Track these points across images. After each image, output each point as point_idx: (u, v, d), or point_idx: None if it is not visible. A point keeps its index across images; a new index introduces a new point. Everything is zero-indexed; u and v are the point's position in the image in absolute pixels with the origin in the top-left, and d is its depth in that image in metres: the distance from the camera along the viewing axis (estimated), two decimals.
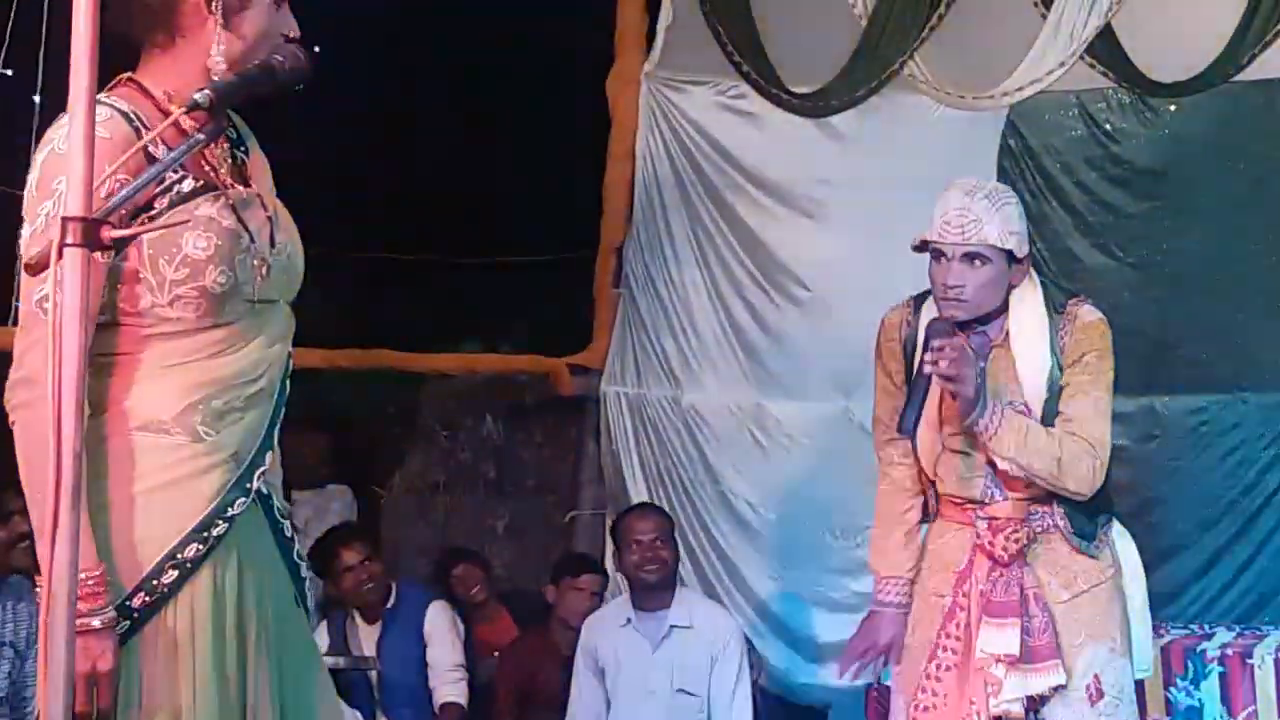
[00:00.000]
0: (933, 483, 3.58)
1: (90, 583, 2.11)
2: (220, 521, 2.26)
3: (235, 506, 2.28)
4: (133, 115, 2.24)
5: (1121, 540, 3.58)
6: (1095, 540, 3.47)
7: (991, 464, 3.43)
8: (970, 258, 3.37)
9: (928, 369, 3.28)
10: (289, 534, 2.45)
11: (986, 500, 3.46)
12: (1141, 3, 5.54)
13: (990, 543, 3.41)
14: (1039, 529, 3.45)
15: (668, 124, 6.21)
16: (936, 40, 5.82)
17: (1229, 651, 4.78)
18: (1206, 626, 5.07)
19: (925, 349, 3.32)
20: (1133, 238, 5.55)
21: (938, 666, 3.44)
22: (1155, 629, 4.89)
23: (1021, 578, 3.40)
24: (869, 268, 5.72)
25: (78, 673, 2.04)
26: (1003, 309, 3.45)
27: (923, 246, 3.45)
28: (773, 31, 6.03)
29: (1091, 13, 5.55)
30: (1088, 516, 3.47)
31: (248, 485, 2.30)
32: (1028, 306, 3.47)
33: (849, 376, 5.81)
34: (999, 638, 3.35)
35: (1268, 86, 5.42)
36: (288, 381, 2.42)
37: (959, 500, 3.52)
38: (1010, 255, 3.40)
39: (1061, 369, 3.44)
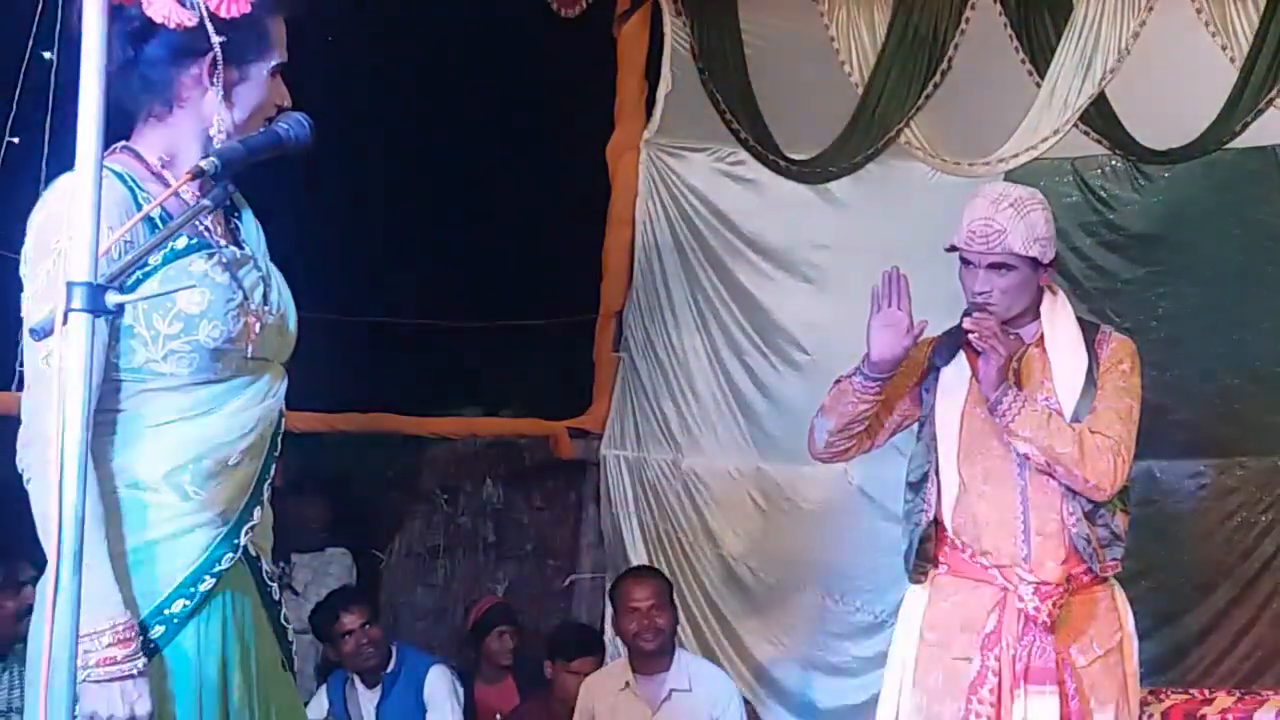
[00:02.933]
0: (935, 531, 3.52)
1: (121, 629, 2.15)
2: (208, 577, 2.27)
3: (223, 562, 2.29)
4: (127, 177, 2.28)
5: (1124, 604, 3.55)
6: (1114, 562, 3.45)
7: (1026, 515, 3.40)
8: (996, 266, 3.44)
9: (968, 325, 3.38)
10: (276, 596, 2.45)
11: (1019, 554, 3.40)
12: (1135, 70, 5.59)
13: (1037, 608, 3.35)
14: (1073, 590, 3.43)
15: (667, 190, 6.25)
16: (932, 108, 5.88)
17: (1230, 716, 4.75)
18: (1207, 691, 5.05)
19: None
20: (1128, 303, 5.57)
21: None
22: (1156, 693, 4.90)
23: (1054, 642, 3.36)
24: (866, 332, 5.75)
25: (117, 718, 2.13)
26: (1035, 313, 3.51)
27: (954, 249, 3.52)
28: (770, 99, 6.09)
29: (1085, 80, 5.60)
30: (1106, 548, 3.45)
31: (235, 541, 2.31)
32: (1061, 314, 3.54)
33: None
34: (1039, 705, 3.30)
35: (1261, 153, 5.46)
36: (279, 439, 2.43)
37: (982, 550, 3.45)
38: (1036, 263, 3.46)
39: (1097, 373, 3.45)
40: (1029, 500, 3.43)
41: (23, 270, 2.26)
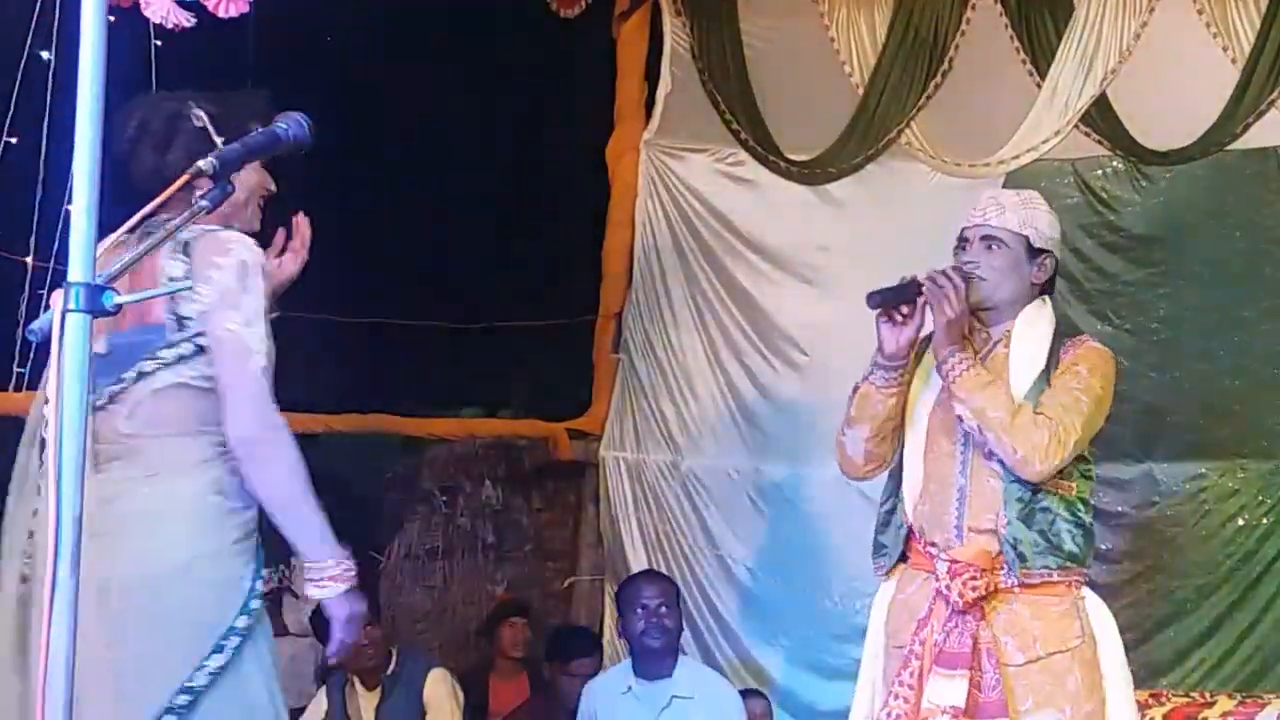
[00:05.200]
0: (908, 527, 3.51)
1: (334, 563, 2.68)
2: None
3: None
4: None
5: (1096, 610, 3.43)
6: (1045, 570, 3.33)
7: (961, 511, 3.37)
8: (987, 240, 3.43)
9: (924, 276, 3.35)
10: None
11: (953, 545, 3.38)
12: (1136, 72, 5.59)
13: (947, 586, 3.32)
14: (1003, 584, 3.34)
15: (667, 191, 6.25)
16: (933, 108, 5.87)
17: (1231, 719, 4.75)
18: (1208, 694, 5.05)
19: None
20: (1129, 304, 5.56)
21: (889, 715, 3.34)
22: (1157, 696, 4.89)
23: (976, 630, 3.31)
24: (867, 333, 5.69)
25: (355, 614, 2.69)
26: (1014, 314, 3.46)
27: (958, 245, 3.50)
28: (771, 100, 6.09)
29: (1086, 81, 5.60)
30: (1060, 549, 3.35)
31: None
32: (1039, 319, 3.48)
33: None
34: (947, 688, 3.26)
35: (1262, 154, 5.46)
36: None
37: (929, 542, 3.43)
38: (1028, 244, 3.43)
39: (1052, 374, 3.39)
40: (966, 499, 3.39)
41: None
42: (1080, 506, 3.41)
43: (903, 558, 3.54)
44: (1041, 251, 3.48)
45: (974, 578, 3.32)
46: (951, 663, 3.29)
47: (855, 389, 3.55)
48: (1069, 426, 3.31)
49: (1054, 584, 3.36)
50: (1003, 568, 3.35)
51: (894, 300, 3.40)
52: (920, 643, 3.36)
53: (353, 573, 2.66)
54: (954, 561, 3.35)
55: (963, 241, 3.48)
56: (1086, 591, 3.44)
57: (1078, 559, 3.38)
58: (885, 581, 3.60)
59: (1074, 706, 3.30)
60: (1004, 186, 5.69)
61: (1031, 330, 3.46)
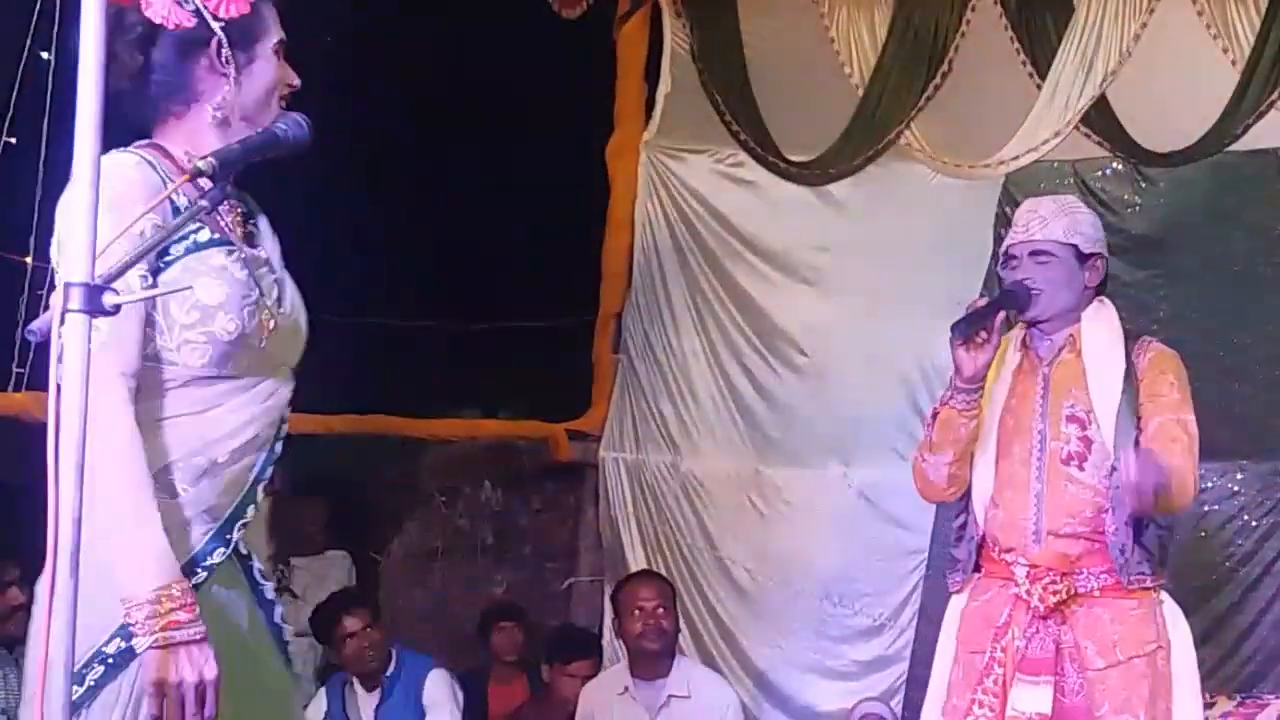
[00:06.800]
0: (980, 536, 3.49)
1: (181, 592, 2.11)
2: (200, 569, 2.25)
3: (214, 556, 2.27)
4: (158, 166, 2.30)
5: (1173, 616, 3.44)
6: (1140, 575, 3.36)
7: (1039, 515, 3.37)
8: (1036, 254, 3.43)
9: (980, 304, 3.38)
10: (269, 595, 2.44)
11: (1031, 551, 3.37)
12: (1136, 73, 5.59)
13: (1028, 591, 3.32)
14: (1082, 588, 3.35)
15: (666, 192, 6.25)
16: (932, 109, 5.87)
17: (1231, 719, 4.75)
18: (1208, 695, 5.04)
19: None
20: (1129, 306, 5.51)
21: None
22: None
23: (1059, 635, 3.32)
24: (867, 334, 5.76)
25: (186, 684, 2.08)
26: (1074, 319, 3.47)
27: (1006, 263, 3.50)
28: (770, 101, 6.09)
29: (1086, 82, 5.60)
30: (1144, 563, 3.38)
31: (228, 536, 2.30)
32: (1103, 320, 3.49)
33: (847, 442, 5.83)
34: (1032, 695, 3.26)
35: (1263, 156, 5.46)
36: (279, 443, 2.41)
37: (1004, 549, 3.42)
38: (1077, 252, 3.44)
39: (1135, 379, 3.40)
40: (1044, 503, 3.39)
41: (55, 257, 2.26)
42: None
43: (975, 567, 3.53)
44: (1092, 255, 3.48)
45: (1054, 581, 3.33)
46: (1036, 669, 3.29)
47: (934, 414, 3.50)
48: (1195, 449, 3.36)
49: (1141, 590, 3.38)
50: (1079, 572, 3.35)
51: (976, 327, 3.35)
52: (1001, 650, 3.35)
53: None
54: (1033, 566, 3.35)
55: (1010, 259, 3.48)
56: (1164, 595, 3.45)
57: (1164, 564, 3.42)
58: (955, 595, 3.57)
59: (1146, 711, 3.32)
60: (1004, 187, 5.70)
61: (1099, 335, 3.46)
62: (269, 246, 2.46)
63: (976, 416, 3.43)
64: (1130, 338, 3.49)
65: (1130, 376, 3.40)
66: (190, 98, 2.35)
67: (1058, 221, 3.46)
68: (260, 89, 2.39)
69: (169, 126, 2.37)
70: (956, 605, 3.56)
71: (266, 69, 2.40)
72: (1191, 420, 3.38)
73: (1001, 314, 3.38)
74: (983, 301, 3.44)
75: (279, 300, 2.39)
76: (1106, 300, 3.54)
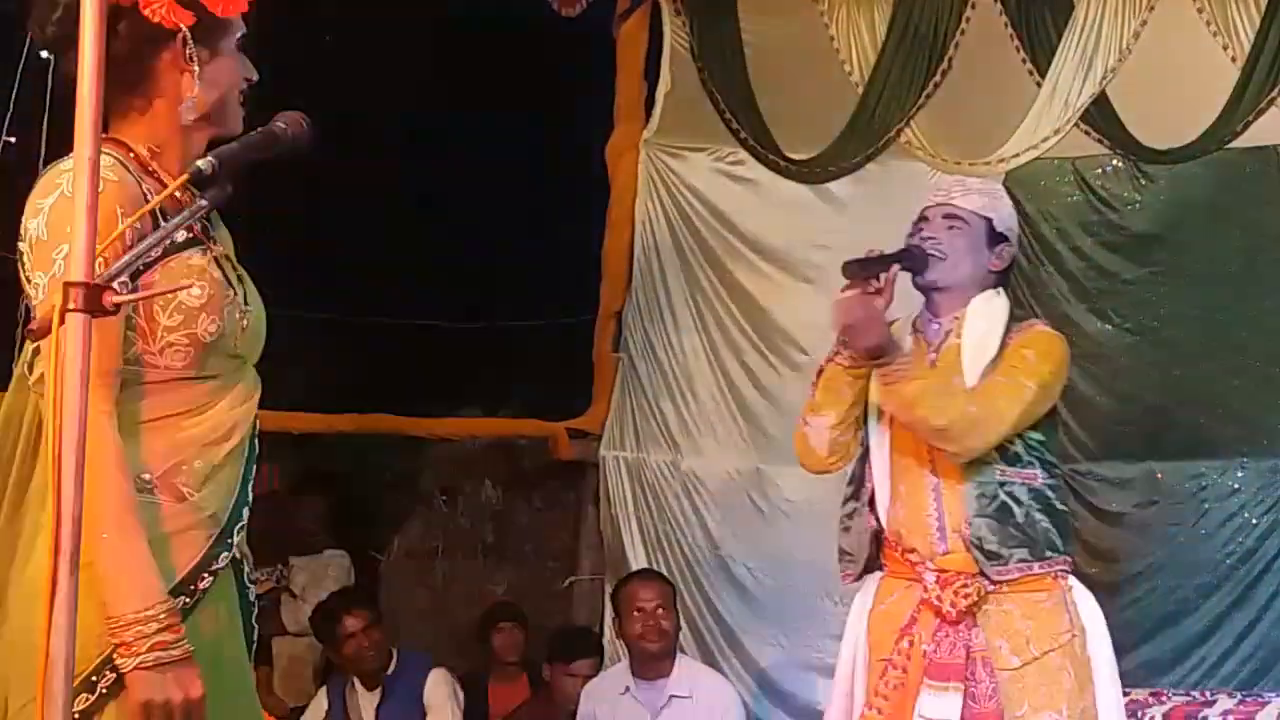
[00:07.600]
0: (880, 531, 3.39)
1: (167, 613, 2.09)
2: (206, 575, 2.25)
3: (219, 560, 2.27)
4: (128, 164, 2.27)
5: (1084, 601, 3.34)
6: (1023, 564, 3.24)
7: (940, 511, 3.27)
8: (950, 218, 3.36)
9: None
10: (252, 598, 2.43)
11: (937, 551, 3.26)
12: (1136, 70, 5.59)
13: (938, 597, 3.20)
14: (991, 588, 3.22)
15: (666, 190, 6.24)
16: (932, 107, 5.87)
17: (1231, 718, 4.75)
18: (1209, 693, 5.04)
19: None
20: (1129, 303, 5.56)
21: None
22: (1157, 695, 4.89)
23: (970, 639, 3.19)
24: None
25: (173, 704, 2.06)
26: (965, 302, 3.36)
27: (916, 224, 3.42)
28: (770, 99, 6.08)
29: (1086, 80, 5.60)
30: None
31: (229, 540, 2.30)
32: (992, 307, 3.38)
33: None
34: (940, 702, 3.14)
35: (1263, 153, 5.45)
36: (256, 441, 2.41)
37: (906, 549, 3.31)
38: (990, 227, 3.37)
39: (999, 359, 3.30)
40: (943, 497, 3.29)
41: (32, 254, 2.21)
42: (1050, 494, 3.31)
43: (877, 565, 3.42)
44: (1003, 239, 3.40)
45: (965, 585, 3.21)
46: (944, 675, 3.17)
47: (819, 371, 3.42)
48: (1003, 407, 3.21)
49: (1038, 577, 3.27)
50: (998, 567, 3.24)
51: (869, 271, 3.26)
52: (901, 652, 3.24)
53: None
54: (942, 571, 3.24)
55: (922, 220, 3.40)
56: (1073, 581, 3.35)
57: (1056, 548, 3.29)
58: (860, 593, 3.46)
59: (1069, 704, 3.22)
60: (1004, 185, 5.69)
61: (982, 319, 3.36)
62: (226, 241, 2.44)
63: (863, 376, 3.33)
64: (1015, 320, 3.39)
65: (997, 359, 3.30)
66: (152, 94, 2.33)
67: (980, 195, 3.41)
68: (223, 85, 2.37)
69: (129, 120, 2.34)
70: (861, 606, 3.43)
71: (230, 65, 2.38)
72: (1029, 385, 3.24)
73: (896, 267, 3.27)
74: (879, 252, 3.32)
75: (244, 298, 2.37)
76: (1003, 293, 3.43)
